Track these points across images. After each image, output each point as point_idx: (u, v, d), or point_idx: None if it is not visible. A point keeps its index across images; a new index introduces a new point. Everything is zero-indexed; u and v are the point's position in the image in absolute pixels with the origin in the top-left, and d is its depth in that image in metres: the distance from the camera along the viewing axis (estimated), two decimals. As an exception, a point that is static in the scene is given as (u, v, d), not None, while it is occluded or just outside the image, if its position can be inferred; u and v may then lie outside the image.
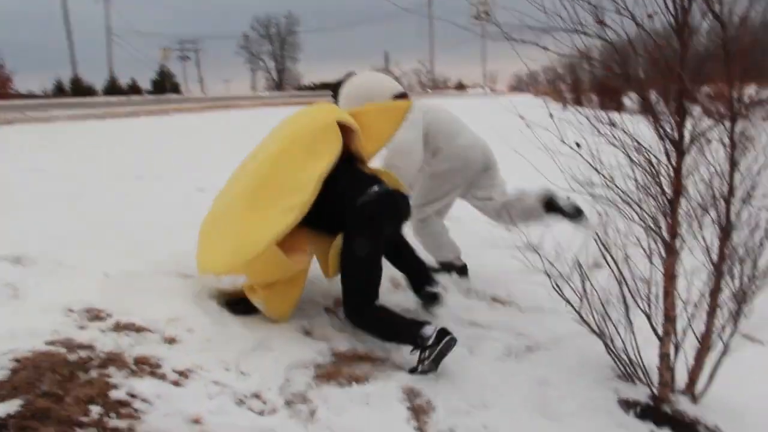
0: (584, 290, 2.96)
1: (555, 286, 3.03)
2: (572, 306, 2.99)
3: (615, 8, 2.74)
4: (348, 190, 3.18)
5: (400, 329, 3.04)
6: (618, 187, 2.81)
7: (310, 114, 3.59)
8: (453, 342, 2.90)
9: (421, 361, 2.91)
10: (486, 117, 9.20)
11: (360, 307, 3.10)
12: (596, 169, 2.85)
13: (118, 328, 2.74)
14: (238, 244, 3.07)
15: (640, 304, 2.80)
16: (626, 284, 2.84)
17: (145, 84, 47.05)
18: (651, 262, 2.78)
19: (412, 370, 2.94)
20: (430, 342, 2.89)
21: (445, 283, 3.87)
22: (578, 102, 26.43)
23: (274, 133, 3.72)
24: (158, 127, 12.16)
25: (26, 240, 3.71)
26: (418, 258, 3.67)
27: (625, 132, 2.79)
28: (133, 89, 42.44)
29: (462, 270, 4.31)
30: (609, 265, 2.91)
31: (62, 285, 3.14)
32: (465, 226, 5.17)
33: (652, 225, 2.74)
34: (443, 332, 2.91)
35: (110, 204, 4.85)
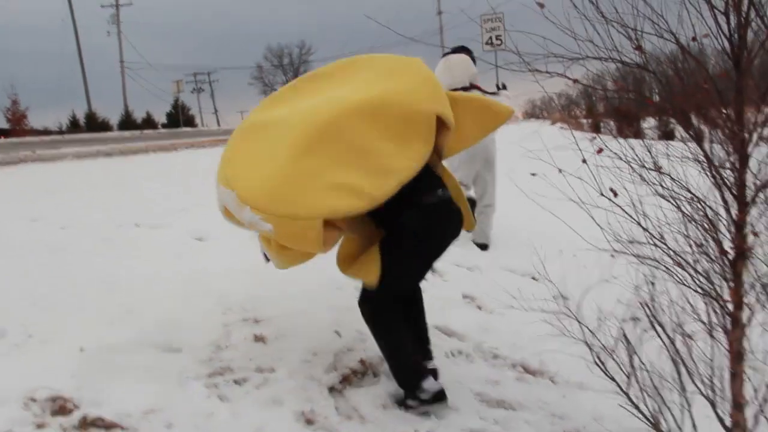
0: (632, 366, 2.52)
1: (597, 361, 2.59)
2: (618, 385, 2.54)
3: (655, 31, 2.34)
4: (417, 183, 2.76)
5: (403, 362, 2.92)
6: (668, 246, 2.38)
7: (412, 82, 2.99)
8: (445, 403, 2.84)
9: (405, 404, 2.89)
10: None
11: (376, 302, 2.95)
12: (640, 225, 2.43)
13: (84, 425, 2.35)
14: (286, 194, 2.62)
15: (701, 388, 2.35)
16: (683, 362, 2.40)
17: (161, 117, 47.17)
18: (712, 337, 2.33)
19: (399, 403, 2.91)
20: (424, 398, 2.83)
21: (466, 348, 3.46)
22: (596, 129, 26.00)
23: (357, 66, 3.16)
24: (166, 165, 11.83)
25: (-1, 305, 3.35)
26: (425, 323, 3.30)
27: (673, 179, 2.36)
28: (148, 123, 42.44)
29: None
30: (661, 338, 2.47)
31: (28, 364, 2.77)
32: (485, 274, 4.77)
33: (711, 291, 2.31)
34: (441, 395, 2.83)
35: (102, 258, 4.47)
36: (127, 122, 40.34)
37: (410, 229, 2.86)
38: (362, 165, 2.68)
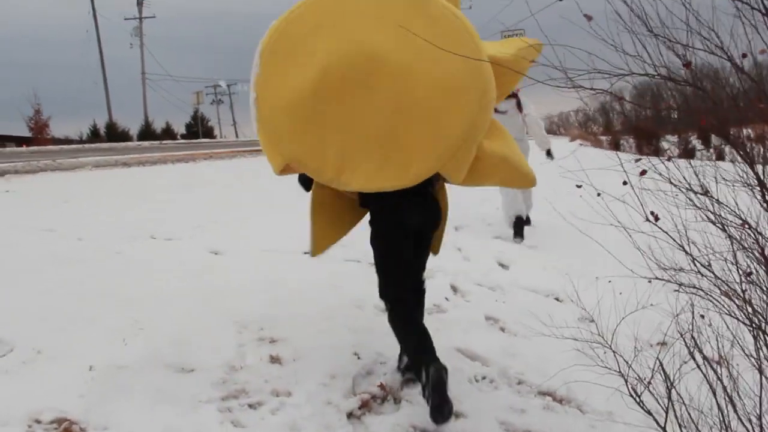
0: (669, 399, 2.36)
1: (632, 393, 2.44)
2: (655, 419, 2.38)
3: (705, 47, 2.20)
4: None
5: (409, 351, 3.05)
6: (714, 274, 2.23)
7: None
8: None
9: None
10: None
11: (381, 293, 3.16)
12: (685, 251, 2.28)
13: (90, 450, 2.22)
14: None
15: (748, 427, 2.19)
16: (728, 399, 2.24)
17: (180, 128, 47.37)
18: (760, 372, 2.17)
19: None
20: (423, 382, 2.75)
21: (491, 374, 3.31)
22: (615, 146, 25.85)
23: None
24: (184, 176, 11.78)
25: (8, 319, 3.24)
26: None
27: (721, 204, 2.21)
28: (167, 133, 42.61)
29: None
30: (702, 371, 2.31)
31: (35, 383, 2.65)
32: (507, 294, 4.61)
33: (761, 324, 2.15)
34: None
35: (116, 270, 4.37)
36: (147, 132, 40.51)
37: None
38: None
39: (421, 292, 3.28)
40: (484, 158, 2.90)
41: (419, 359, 2.84)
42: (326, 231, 3.33)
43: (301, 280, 4.26)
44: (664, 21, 2.20)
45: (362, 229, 5.57)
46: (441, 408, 2.66)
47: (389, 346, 3.31)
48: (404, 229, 3.02)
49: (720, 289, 2.21)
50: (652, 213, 2.39)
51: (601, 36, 2.12)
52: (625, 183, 2.33)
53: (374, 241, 3.11)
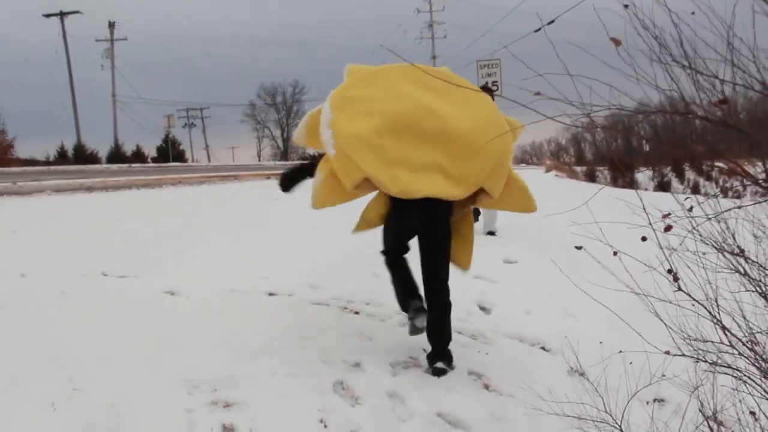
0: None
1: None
2: None
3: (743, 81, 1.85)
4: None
5: (398, 293, 3.99)
6: (756, 353, 1.86)
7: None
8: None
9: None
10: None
11: (384, 255, 4.09)
12: (720, 324, 1.92)
13: None
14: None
15: None
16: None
17: (151, 150, 46.67)
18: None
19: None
20: (410, 315, 3.79)
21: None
22: (591, 178, 25.84)
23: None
24: (148, 203, 11.27)
25: None
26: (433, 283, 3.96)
27: (762, 267, 1.85)
28: (138, 156, 41.90)
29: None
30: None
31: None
32: (491, 344, 4.22)
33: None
34: (420, 310, 3.78)
35: (56, 315, 3.92)
36: (117, 155, 39.81)
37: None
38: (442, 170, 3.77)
39: (444, 296, 3.93)
40: (512, 183, 4.00)
41: (404, 300, 3.92)
42: (328, 198, 3.94)
43: (264, 329, 3.85)
44: (692, 47, 1.86)
45: (332, 270, 5.17)
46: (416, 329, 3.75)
47: (360, 414, 2.91)
48: (416, 226, 3.91)
49: (760, 369, 1.84)
50: (670, 271, 2.03)
51: (627, 68, 1.76)
52: (644, 239, 1.97)
53: (395, 222, 4.03)
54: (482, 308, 4.99)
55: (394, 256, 4.06)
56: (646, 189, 24.12)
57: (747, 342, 1.84)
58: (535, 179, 22.29)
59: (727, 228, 1.89)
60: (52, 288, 4.51)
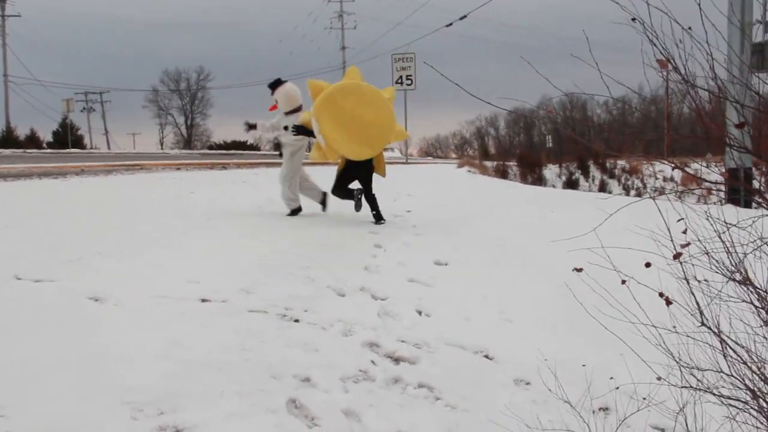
0: None
1: None
2: None
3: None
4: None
5: (346, 196, 8.72)
6: (753, 381, 1.82)
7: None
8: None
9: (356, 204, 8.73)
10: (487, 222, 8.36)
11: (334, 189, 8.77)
12: (733, 353, 1.87)
13: None
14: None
15: None
16: None
17: (46, 135, 44.46)
18: None
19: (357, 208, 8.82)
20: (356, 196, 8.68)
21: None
22: (503, 174, 26.26)
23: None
24: (54, 195, 10.62)
25: None
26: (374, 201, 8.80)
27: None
28: (32, 141, 39.80)
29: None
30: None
31: None
32: (437, 355, 4.13)
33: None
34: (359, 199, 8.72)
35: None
36: (8, 139, 37.74)
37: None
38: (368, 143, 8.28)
39: (374, 197, 8.70)
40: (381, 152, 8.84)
41: (350, 194, 8.72)
42: (318, 159, 8.64)
43: (204, 341, 3.61)
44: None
45: (265, 272, 4.96)
46: (360, 206, 8.75)
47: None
48: (357, 172, 8.60)
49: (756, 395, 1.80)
50: (661, 295, 1.97)
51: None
52: (648, 265, 1.90)
53: (343, 173, 8.62)
54: (421, 313, 4.90)
55: (343, 189, 8.74)
56: (554, 186, 24.84)
57: (742, 369, 1.80)
58: (451, 175, 22.50)
59: (732, 252, 1.84)
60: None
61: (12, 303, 4.04)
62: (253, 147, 45.43)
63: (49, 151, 32.96)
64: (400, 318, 4.64)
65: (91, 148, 46.90)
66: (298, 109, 9.12)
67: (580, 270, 2.15)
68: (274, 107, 9.23)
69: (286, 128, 9.07)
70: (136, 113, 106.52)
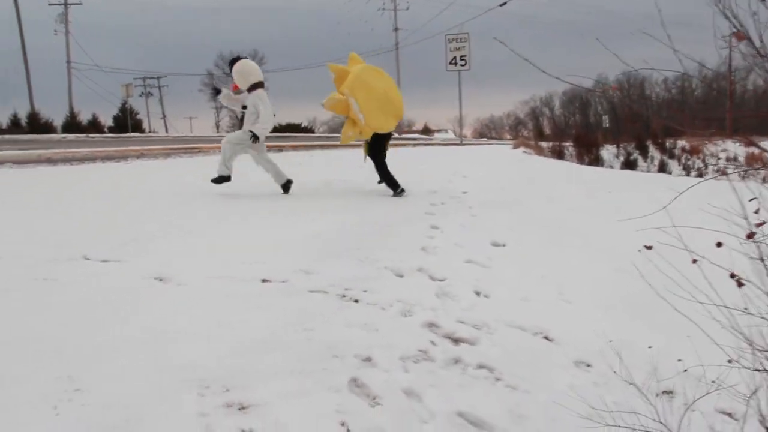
0: None
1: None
2: None
3: None
4: None
5: (391, 183, 9.27)
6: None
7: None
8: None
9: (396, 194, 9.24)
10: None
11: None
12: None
13: None
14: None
15: None
16: None
17: (107, 120, 45.55)
18: None
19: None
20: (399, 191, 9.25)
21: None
22: (559, 154, 25.87)
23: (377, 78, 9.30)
24: (116, 178, 10.91)
25: None
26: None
27: None
28: (94, 126, 40.82)
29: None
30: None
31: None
32: (496, 336, 4.12)
33: None
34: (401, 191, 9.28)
35: (46, 305, 3.71)
36: (72, 124, 38.77)
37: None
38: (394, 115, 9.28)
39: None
40: None
41: (396, 185, 9.24)
42: (350, 138, 9.28)
43: (266, 320, 3.67)
44: None
45: (323, 253, 5.00)
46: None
47: (380, 415, 2.79)
48: (383, 145, 9.38)
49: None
50: (732, 276, 1.92)
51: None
52: (719, 245, 1.85)
53: (378, 152, 9.29)
54: (480, 294, 4.88)
55: (383, 162, 9.25)
56: (611, 167, 24.38)
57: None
58: (506, 156, 22.29)
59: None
60: (33, 273, 4.28)
61: (83, 283, 4.17)
62: (308, 129, 45.70)
63: (110, 135, 33.78)
64: (459, 299, 4.63)
65: (150, 132, 47.92)
66: (257, 86, 8.78)
67: (649, 248, 2.10)
68: (236, 87, 8.99)
69: (244, 107, 8.90)
70: (192, 97, 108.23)
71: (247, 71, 8.80)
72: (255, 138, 8.55)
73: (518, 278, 5.38)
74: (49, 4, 47.69)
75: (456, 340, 3.91)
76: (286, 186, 9.14)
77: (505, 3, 30.75)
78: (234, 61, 8.94)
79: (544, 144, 26.60)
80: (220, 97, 9.08)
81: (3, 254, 4.76)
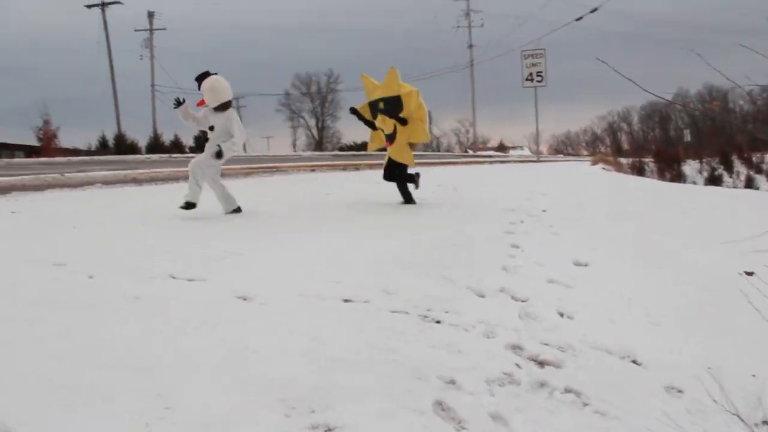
0: None
1: None
2: None
3: None
4: None
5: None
6: None
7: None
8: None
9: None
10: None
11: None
12: None
13: None
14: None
15: None
16: None
17: (188, 140, 46.95)
18: None
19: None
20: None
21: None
22: (639, 171, 25.26)
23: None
24: (201, 197, 11.19)
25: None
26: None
27: None
28: (176, 146, 42.14)
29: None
30: None
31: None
32: (580, 359, 4.01)
33: None
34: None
35: (133, 322, 3.80)
36: (156, 145, 40.11)
37: None
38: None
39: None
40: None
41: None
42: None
43: (348, 339, 3.68)
44: None
45: (402, 272, 4.99)
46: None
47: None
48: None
49: None
50: None
51: None
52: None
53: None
54: (563, 315, 4.77)
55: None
56: (694, 183, 23.62)
57: None
58: (585, 173, 21.88)
59: None
60: (122, 291, 4.41)
61: (170, 301, 4.26)
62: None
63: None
64: (542, 320, 4.54)
65: (230, 152, 48.99)
66: (226, 106, 8.24)
67: (751, 274, 2.01)
68: (202, 102, 8.27)
69: (212, 128, 8.28)
70: (269, 117, 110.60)
71: (220, 88, 8.17)
72: (219, 154, 8.15)
73: (603, 299, 5.24)
74: (135, 30, 49.73)
75: (541, 363, 3.83)
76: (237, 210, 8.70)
77: (581, 18, 30.36)
78: (204, 76, 8.20)
79: (623, 160, 25.97)
80: (180, 109, 8.30)
81: (94, 272, 4.92)
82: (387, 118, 9.83)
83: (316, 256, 5.89)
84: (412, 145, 10.20)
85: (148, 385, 2.92)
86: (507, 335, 4.13)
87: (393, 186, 10.29)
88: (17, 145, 37.83)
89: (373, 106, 10.01)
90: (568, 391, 3.50)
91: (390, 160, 10.21)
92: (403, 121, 9.83)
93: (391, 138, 9.98)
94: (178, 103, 8.23)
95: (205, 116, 8.33)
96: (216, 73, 8.13)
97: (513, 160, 37.01)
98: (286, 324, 3.91)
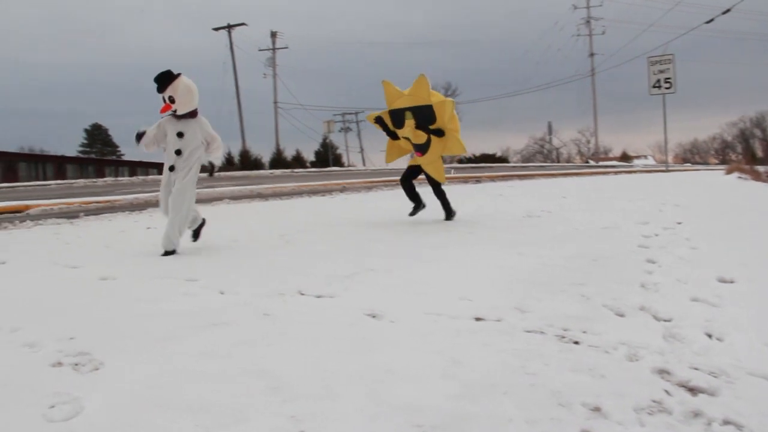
0: None
1: None
2: None
3: None
4: None
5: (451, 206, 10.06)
6: None
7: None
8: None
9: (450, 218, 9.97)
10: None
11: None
12: None
13: None
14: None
15: None
16: None
17: (309, 155, 48.19)
18: None
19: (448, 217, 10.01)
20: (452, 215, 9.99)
21: None
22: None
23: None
24: (322, 212, 11.34)
25: (155, 416, 2.69)
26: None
27: None
28: (297, 161, 43.30)
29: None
30: None
31: None
32: (737, 385, 3.68)
33: None
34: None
35: (266, 340, 3.81)
36: (278, 160, 41.31)
37: None
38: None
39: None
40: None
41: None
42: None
43: (484, 361, 3.52)
44: None
45: (534, 289, 4.78)
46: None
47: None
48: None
49: None
50: None
51: None
52: None
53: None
54: (712, 337, 4.42)
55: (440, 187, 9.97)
56: None
57: None
58: (720, 182, 20.69)
59: None
60: (253, 307, 4.44)
61: (299, 318, 4.26)
62: (502, 159, 45.48)
63: (312, 169, 35.58)
64: (689, 342, 4.21)
65: (348, 166, 49.96)
66: (194, 114, 7.10)
67: None
68: (167, 107, 6.88)
69: (180, 135, 6.98)
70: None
71: (196, 92, 7.01)
72: (212, 171, 7.62)
73: (756, 319, 4.81)
74: (259, 50, 51.60)
75: (692, 389, 3.53)
76: (197, 232, 7.70)
77: (712, 20, 28.92)
78: (167, 75, 6.85)
79: (761, 168, 24.39)
80: (143, 140, 7.06)
81: (225, 289, 5.01)
82: (415, 127, 9.28)
83: (443, 270, 5.77)
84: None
85: (282, 406, 2.89)
86: (652, 358, 3.85)
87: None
88: (152, 163, 39.82)
89: (395, 114, 9.42)
90: (727, 422, 3.19)
91: (419, 169, 9.90)
92: (440, 133, 9.31)
93: (422, 149, 9.43)
94: (139, 137, 7.00)
95: (160, 127, 7.10)
96: (180, 74, 6.84)
97: (639, 170, 35.60)
98: (417, 343, 3.81)
